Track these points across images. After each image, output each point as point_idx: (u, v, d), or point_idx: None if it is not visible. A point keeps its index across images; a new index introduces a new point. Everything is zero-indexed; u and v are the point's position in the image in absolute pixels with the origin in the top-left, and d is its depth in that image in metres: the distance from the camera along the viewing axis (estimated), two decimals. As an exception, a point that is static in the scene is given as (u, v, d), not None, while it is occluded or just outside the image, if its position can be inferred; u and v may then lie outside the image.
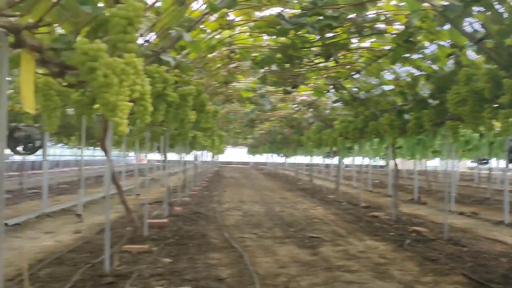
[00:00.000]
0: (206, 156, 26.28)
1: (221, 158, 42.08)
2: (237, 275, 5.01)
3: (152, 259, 5.56)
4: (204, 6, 4.79)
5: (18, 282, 4.42)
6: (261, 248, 6.49)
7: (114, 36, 2.46)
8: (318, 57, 6.73)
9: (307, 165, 28.92)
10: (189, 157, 15.89)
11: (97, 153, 30.77)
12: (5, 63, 2.58)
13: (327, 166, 26.62)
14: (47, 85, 3.35)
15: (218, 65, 7.31)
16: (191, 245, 6.45)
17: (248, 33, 6.33)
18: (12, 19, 2.59)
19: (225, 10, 5.08)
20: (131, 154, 27.58)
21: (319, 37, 5.88)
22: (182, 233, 7.31)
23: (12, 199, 11.72)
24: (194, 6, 4.70)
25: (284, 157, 30.62)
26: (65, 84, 3.43)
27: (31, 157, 20.97)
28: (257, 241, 6.99)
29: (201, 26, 5.36)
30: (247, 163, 52.03)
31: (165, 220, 8.16)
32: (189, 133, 9.07)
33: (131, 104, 2.97)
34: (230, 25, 5.58)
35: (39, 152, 9.70)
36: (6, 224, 7.48)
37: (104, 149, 4.75)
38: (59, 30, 3.02)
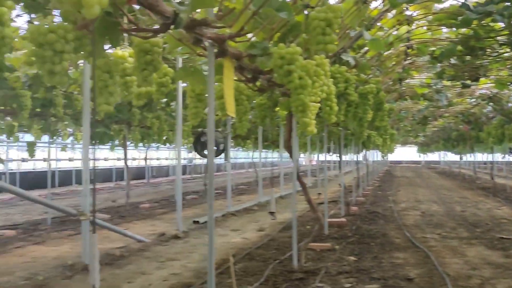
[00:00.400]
0: (376, 155, 25.93)
1: (390, 157, 41.19)
2: (425, 275, 4.87)
3: (336, 257, 5.63)
4: (382, 4, 4.76)
5: (217, 274, 4.77)
6: (447, 249, 6.23)
7: (313, 39, 2.56)
8: (504, 46, 6.30)
9: (485, 162, 27.11)
10: (360, 156, 15.80)
11: (269, 155, 31.96)
12: (212, 71, 2.82)
13: (510, 163, 24.67)
14: (238, 91, 3.56)
15: (393, 62, 7.19)
16: (373, 244, 6.42)
17: (425, 27, 6.14)
18: (214, 30, 2.82)
19: (403, 5, 4.99)
20: (301, 155, 28.21)
21: (504, 25, 5.51)
22: (362, 232, 7.31)
23: (198, 199, 12.66)
24: (372, 4, 4.69)
25: (460, 155, 29.02)
26: (255, 89, 3.63)
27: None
28: (441, 242, 6.73)
29: (378, 24, 5.33)
30: (417, 162, 50.25)
31: (343, 219, 8.21)
32: (364, 132, 9.01)
33: (318, 104, 3.07)
34: (409, 20, 5.47)
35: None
36: (197, 221, 8.10)
37: (289, 149, 4.93)
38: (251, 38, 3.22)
